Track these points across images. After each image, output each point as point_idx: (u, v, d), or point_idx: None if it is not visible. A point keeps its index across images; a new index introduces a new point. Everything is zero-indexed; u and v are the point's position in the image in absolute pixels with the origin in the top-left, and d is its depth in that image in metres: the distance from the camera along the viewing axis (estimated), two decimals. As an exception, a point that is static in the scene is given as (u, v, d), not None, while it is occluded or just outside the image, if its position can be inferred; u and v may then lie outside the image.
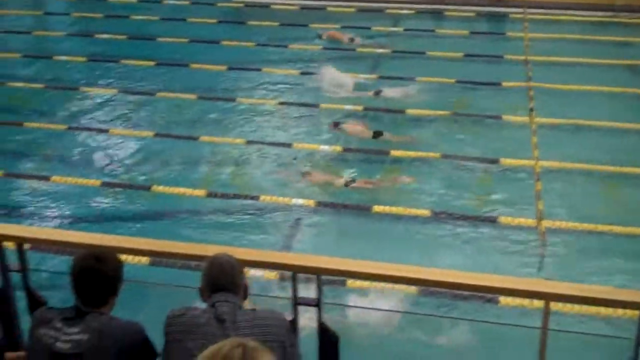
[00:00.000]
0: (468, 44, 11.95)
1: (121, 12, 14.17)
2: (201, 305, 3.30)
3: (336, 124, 9.17)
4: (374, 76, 10.86)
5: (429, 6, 14.05)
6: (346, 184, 7.87)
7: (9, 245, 3.84)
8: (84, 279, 3.21)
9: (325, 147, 8.68)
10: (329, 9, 14.26)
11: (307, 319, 3.82)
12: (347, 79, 10.33)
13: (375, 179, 8.04)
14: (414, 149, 8.53)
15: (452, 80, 10.41)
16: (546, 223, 6.93)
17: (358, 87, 10.27)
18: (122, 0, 15.30)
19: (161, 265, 5.73)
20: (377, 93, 10.04)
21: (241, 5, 14.85)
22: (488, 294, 4.95)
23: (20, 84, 10.87)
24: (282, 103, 9.98)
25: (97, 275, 3.23)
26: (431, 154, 8.38)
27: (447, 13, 13.73)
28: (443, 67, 11.07)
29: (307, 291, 3.75)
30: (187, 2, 14.73)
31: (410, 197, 7.60)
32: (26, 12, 15.00)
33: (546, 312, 3.46)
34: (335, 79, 10.25)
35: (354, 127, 9.09)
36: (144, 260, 5.33)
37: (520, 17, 12.93)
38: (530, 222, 7.05)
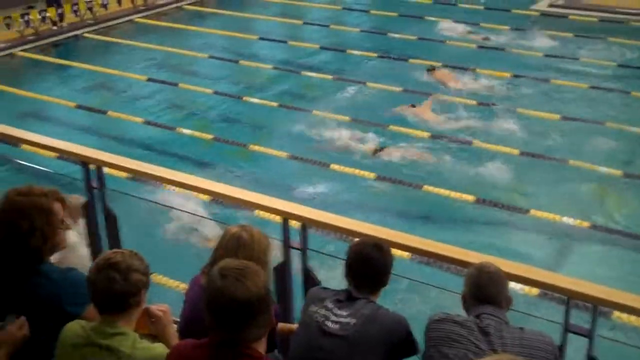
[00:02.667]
0: None
1: (416, 12, 14.52)
2: (460, 312, 3.28)
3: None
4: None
5: None
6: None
7: (293, 224, 4.12)
8: (363, 266, 3.36)
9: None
10: (633, 23, 13.49)
11: None
12: None
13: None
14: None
15: None
16: None
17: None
18: (419, 1, 15.68)
19: (417, 261, 5.80)
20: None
21: (536, 14, 14.54)
22: None
23: (312, 74, 11.61)
24: (564, 117, 9.61)
25: (375, 264, 3.36)
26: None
27: None
28: None
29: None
30: (481, 7, 14.70)
31: None
32: (327, 7, 15.97)
33: None
34: None
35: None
36: (405, 255, 5.42)
37: None
38: None
